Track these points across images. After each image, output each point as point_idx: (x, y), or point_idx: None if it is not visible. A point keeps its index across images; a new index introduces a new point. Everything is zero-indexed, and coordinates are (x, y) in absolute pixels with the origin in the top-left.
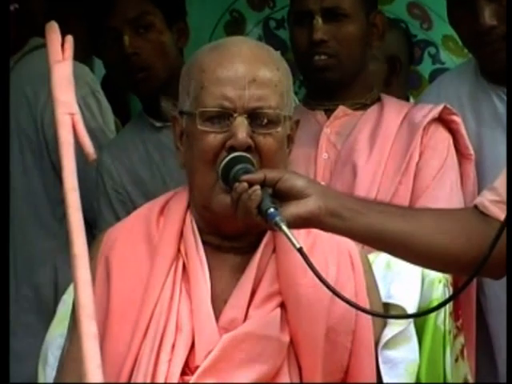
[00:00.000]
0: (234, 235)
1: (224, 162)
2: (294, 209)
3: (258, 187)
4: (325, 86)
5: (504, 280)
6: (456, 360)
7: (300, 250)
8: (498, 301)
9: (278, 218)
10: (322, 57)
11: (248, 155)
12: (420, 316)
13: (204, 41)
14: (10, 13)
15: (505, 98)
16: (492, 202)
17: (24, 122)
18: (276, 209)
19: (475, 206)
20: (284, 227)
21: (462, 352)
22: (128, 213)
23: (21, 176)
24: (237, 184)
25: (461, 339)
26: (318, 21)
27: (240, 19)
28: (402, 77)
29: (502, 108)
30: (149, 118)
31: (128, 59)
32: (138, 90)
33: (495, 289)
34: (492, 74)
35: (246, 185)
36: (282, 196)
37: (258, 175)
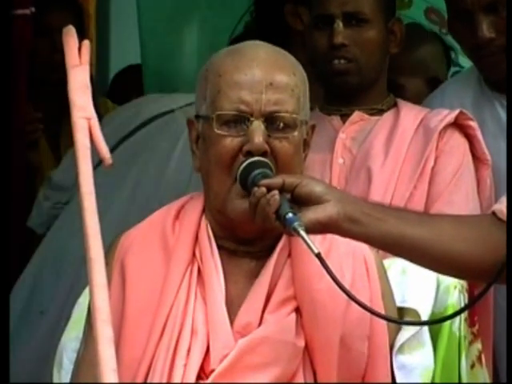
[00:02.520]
0: (250, 239)
1: (242, 167)
2: (313, 214)
3: (276, 192)
4: (343, 90)
5: (504, 288)
6: (472, 366)
7: (318, 256)
8: (500, 309)
9: (296, 224)
10: (342, 61)
11: (266, 160)
12: (436, 323)
13: (224, 41)
14: (26, 16)
15: None
16: None
17: None
18: (294, 214)
19: (493, 213)
20: (302, 233)
21: (479, 358)
22: None
23: None
24: (255, 189)
25: (478, 345)
26: (339, 25)
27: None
28: None
29: (505, 117)
30: None
31: None
32: None
33: (496, 297)
34: (495, 84)
35: (264, 190)
36: (301, 201)
37: (277, 180)
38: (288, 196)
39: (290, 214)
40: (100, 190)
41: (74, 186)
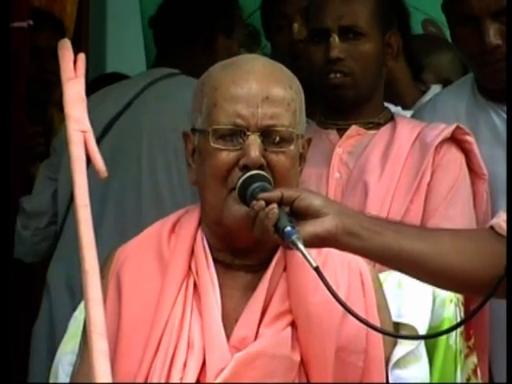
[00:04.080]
0: (246, 250)
1: (241, 180)
2: (311, 228)
3: (275, 205)
4: (339, 104)
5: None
6: (468, 379)
7: (317, 269)
8: (496, 321)
9: (294, 237)
10: (338, 75)
11: (265, 173)
12: (433, 337)
13: None
14: (23, 28)
15: (504, 115)
16: None
17: None
18: (293, 227)
19: (491, 227)
20: (301, 246)
21: (474, 372)
22: None
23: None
24: (254, 202)
25: (473, 359)
26: (335, 39)
27: (255, 33)
28: None
29: (500, 126)
30: None
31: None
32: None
33: (493, 306)
34: (491, 92)
35: (263, 203)
36: (299, 214)
37: (275, 193)
38: (287, 209)
39: (289, 228)
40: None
41: (50, 209)
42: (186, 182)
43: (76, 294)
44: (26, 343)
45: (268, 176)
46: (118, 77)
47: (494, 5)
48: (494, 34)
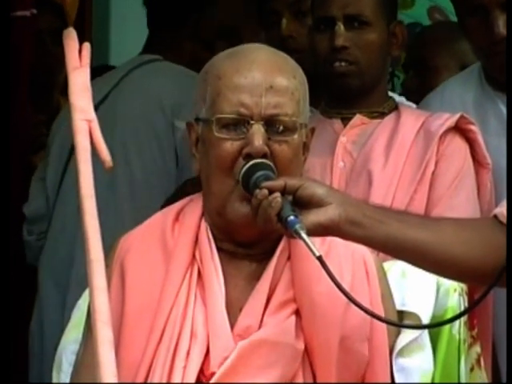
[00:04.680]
0: (249, 243)
1: (245, 169)
2: (314, 217)
3: (278, 194)
4: (344, 92)
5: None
6: (471, 369)
7: (320, 258)
8: (502, 308)
9: (297, 226)
10: (343, 63)
11: (269, 162)
12: (436, 327)
13: None
14: (26, 17)
15: None
16: None
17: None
18: (296, 216)
19: (494, 216)
20: (304, 235)
21: (478, 361)
22: None
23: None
24: (257, 191)
25: (477, 348)
26: (340, 27)
27: None
28: None
29: None
30: None
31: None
32: None
33: (499, 296)
34: (500, 83)
35: (266, 192)
36: (302, 204)
37: (279, 182)
38: (290, 198)
39: (292, 217)
40: None
41: (48, 210)
42: (161, 168)
43: (63, 290)
44: (26, 343)
45: (271, 165)
46: (106, 69)
47: None
48: (502, 25)
